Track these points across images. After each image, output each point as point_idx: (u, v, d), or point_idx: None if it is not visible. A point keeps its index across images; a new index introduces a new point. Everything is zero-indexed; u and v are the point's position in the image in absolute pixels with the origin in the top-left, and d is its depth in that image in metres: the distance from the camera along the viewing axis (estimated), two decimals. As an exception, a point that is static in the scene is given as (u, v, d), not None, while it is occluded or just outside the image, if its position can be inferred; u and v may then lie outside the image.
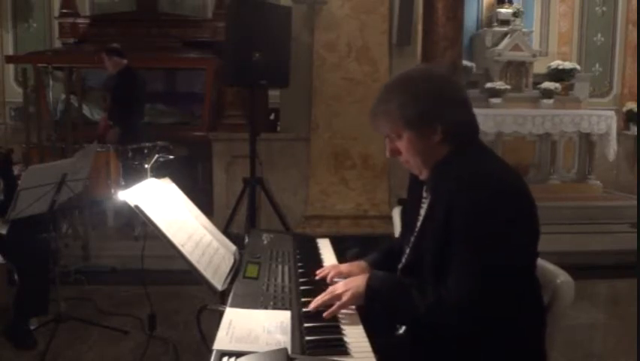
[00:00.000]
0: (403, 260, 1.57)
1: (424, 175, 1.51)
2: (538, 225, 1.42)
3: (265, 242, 1.91)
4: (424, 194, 1.54)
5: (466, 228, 1.33)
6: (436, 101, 1.44)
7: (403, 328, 1.54)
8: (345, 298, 1.40)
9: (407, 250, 1.56)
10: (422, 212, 1.52)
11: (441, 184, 1.43)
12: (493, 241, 1.32)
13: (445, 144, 1.45)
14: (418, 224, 1.52)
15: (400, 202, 4.03)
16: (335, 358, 1.16)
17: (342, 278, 1.63)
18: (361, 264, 1.71)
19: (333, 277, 1.62)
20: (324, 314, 1.37)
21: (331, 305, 1.40)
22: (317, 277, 1.63)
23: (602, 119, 5.77)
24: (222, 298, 1.49)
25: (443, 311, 1.34)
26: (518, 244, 1.36)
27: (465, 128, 1.47)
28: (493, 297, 1.33)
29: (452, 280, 1.35)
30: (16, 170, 3.58)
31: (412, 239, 1.54)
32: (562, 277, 1.54)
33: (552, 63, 7.17)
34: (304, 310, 1.40)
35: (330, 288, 1.47)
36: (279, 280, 1.57)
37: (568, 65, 7.13)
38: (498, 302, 1.33)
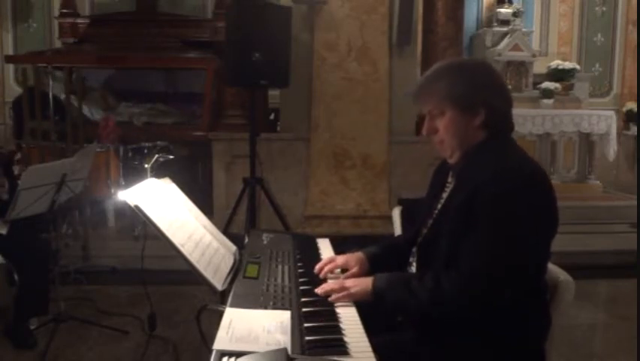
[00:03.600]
0: (419, 241, 1.59)
1: (454, 158, 1.53)
2: (557, 222, 1.44)
3: (265, 242, 1.90)
4: (449, 179, 1.58)
5: (489, 215, 1.36)
6: (485, 86, 1.48)
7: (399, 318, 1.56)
8: (353, 290, 1.45)
9: (423, 232, 1.59)
10: (444, 195, 1.56)
11: (469, 170, 1.46)
12: (511, 229, 1.35)
13: (483, 129, 1.48)
14: (439, 206, 1.55)
15: (400, 202, 4.03)
16: (335, 358, 1.16)
17: (337, 275, 1.67)
18: (358, 255, 1.72)
19: (329, 271, 1.65)
20: (331, 298, 1.43)
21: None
22: (316, 271, 1.66)
23: (602, 119, 5.77)
24: (222, 298, 1.49)
25: (445, 294, 1.36)
26: (535, 238, 1.39)
27: (504, 120, 1.51)
28: (502, 285, 1.35)
29: (463, 261, 1.37)
30: (16, 170, 3.59)
31: (430, 221, 1.56)
32: (562, 276, 1.55)
33: (552, 63, 7.17)
34: (304, 310, 1.39)
35: (338, 280, 1.54)
36: (279, 280, 1.57)
37: (568, 65, 7.14)
38: (506, 291, 1.36)
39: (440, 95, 1.49)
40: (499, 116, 1.49)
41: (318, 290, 1.47)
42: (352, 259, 1.69)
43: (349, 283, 1.49)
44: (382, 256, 1.73)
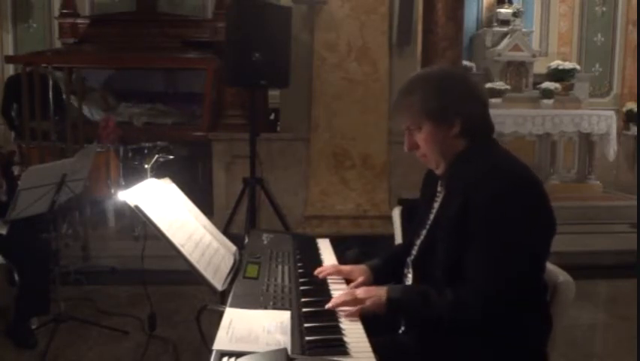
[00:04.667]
0: (414, 252, 1.58)
1: (440, 169, 1.53)
2: (553, 219, 1.44)
3: (265, 242, 1.91)
4: (439, 188, 1.57)
5: (484, 220, 1.35)
6: (457, 96, 1.48)
7: (403, 328, 1.55)
8: (367, 303, 1.41)
9: (417, 242, 1.58)
10: (436, 205, 1.55)
11: (456, 178, 1.46)
12: (507, 231, 1.34)
13: (462, 138, 1.48)
14: (431, 217, 1.55)
15: (400, 202, 4.03)
16: (335, 358, 1.16)
17: (341, 279, 1.66)
18: (362, 267, 1.71)
19: (329, 274, 1.64)
20: (345, 314, 1.38)
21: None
22: (316, 273, 1.65)
23: (602, 119, 5.76)
24: (222, 298, 1.49)
25: (466, 306, 1.36)
26: (531, 237, 1.38)
27: (482, 125, 1.51)
28: (512, 287, 1.35)
29: (473, 271, 1.37)
30: (15, 170, 3.59)
31: (424, 232, 1.56)
32: (562, 276, 1.54)
33: (552, 63, 7.17)
34: (304, 310, 1.39)
35: (349, 290, 1.49)
36: (279, 280, 1.57)
37: (568, 65, 7.14)
38: (515, 294, 1.36)
39: (414, 110, 1.49)
40: (476, 121, 1.49)
41: (329, 305, 1.41)
42: (356, 270, 1.69)
43: (361, 293, 1.44)
44: (385, 268, 1.73)
